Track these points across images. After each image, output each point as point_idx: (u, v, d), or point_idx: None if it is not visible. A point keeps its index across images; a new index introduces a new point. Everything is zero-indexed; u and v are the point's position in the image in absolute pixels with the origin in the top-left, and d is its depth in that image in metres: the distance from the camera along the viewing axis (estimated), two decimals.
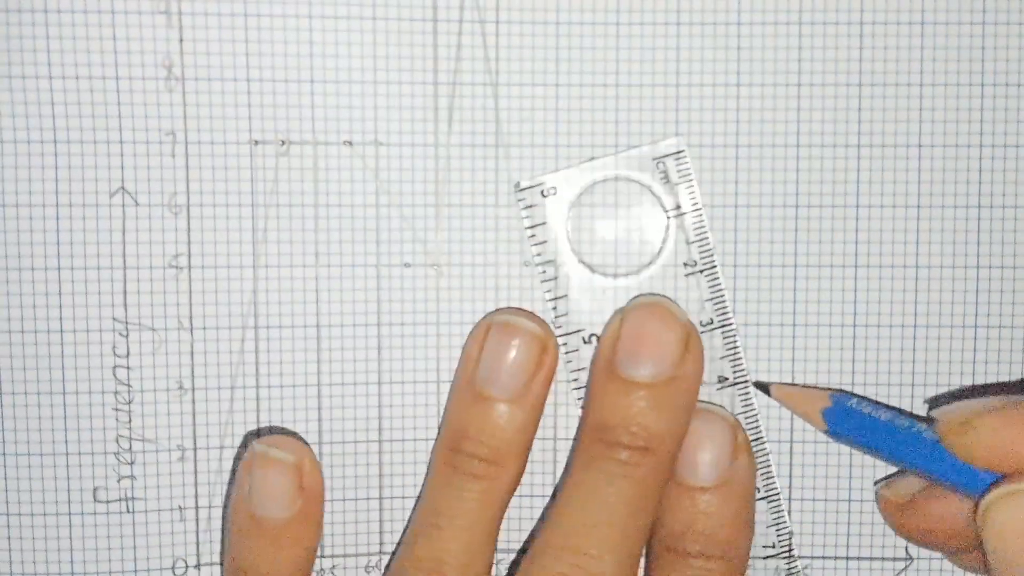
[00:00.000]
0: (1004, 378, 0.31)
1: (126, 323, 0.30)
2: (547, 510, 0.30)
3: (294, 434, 0.31)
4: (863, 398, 0.29)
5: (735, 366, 0.31)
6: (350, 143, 0.30)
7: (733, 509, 0.29)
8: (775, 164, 0.31)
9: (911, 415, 0.28)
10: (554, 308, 0.31)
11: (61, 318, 0.30)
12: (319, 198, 0.30)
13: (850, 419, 0.29)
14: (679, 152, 0.30)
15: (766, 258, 0.31)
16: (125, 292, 0.30)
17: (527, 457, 0.30)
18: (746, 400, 0.31)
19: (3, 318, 0.30)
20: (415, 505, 0.31)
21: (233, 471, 0.31)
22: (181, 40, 0.30)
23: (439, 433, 0.30)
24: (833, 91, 0.30)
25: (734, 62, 0.30)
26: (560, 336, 0.31)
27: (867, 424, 0.28)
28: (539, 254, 0.31)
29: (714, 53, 0.30)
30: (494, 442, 0.29)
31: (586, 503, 0.28)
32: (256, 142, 0.30)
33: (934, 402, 0.31)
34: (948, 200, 0.30)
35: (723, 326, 0.31)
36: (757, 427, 0.31)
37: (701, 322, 0.31)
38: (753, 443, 0.30)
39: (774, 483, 0.31)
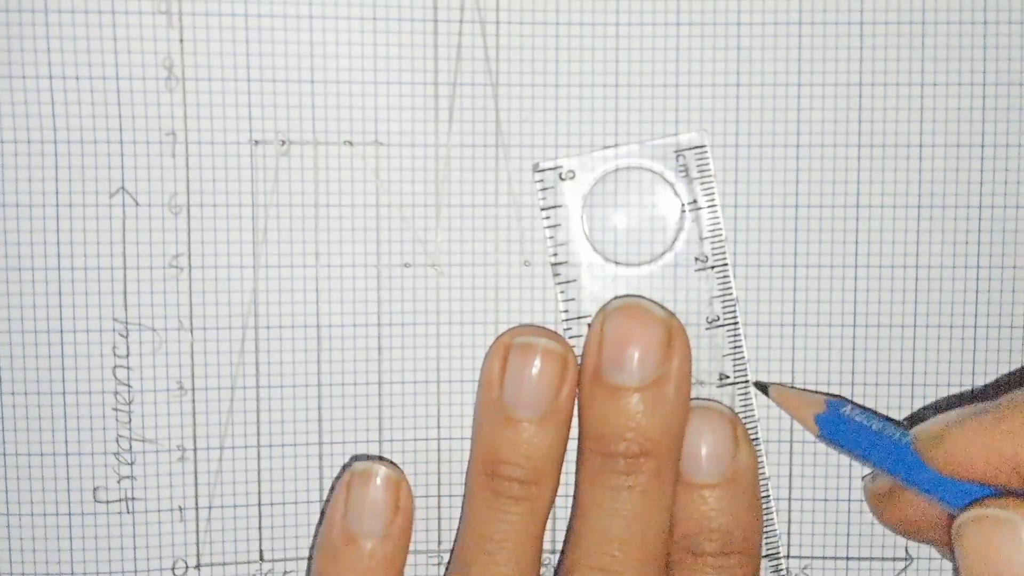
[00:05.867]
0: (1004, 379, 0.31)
1: (126, 323, 0.30)
2: (570, 524, 0.30)
3: (391, 462, 0.31)
4: (858, 406, 0.29)
5: (737, 365, 0.31)
6: (350, 143, 0.30)
7: (743, 502, 0.29)
8: (775, 164, 0.31)
9: (903, 426, 0.28)
10: (563, 292, 0.31)
11: (61, 318, 0.30)
12: (319, 198, 0.30)
13: (842, 426, 0.29)
14: (700, 147, 0.30)
15: (766, 258, 0.31)
16: (125, 292, 0.30)
17: (561, 470, 0.30)
18: (745, 399, 0.31)
19: (3, 318, 0.30)
20: (457, 532, 0.31)
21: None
22: (181, 40, 0.30)
23: (471, 459, 0.30)
24: (833, 91, 0.30)
25: (734, 62, 0.30)
26: (567, 321, 0.31)
27: (857, 432, 0.28)
28: (551, 236, 0.31)
29: (714, 53, 0.30)
30: (530, 463, 0.29)
31: (599, 520, 0.29)
32: (256, 142, 0.30)
33: (915, 418, 0.31)
34: (948, 200, 0.30)
35: (729, 324, 0.31)
36: (755, 427, 0.31)
37: (707, 319, 0.31)
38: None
39: (766, 485, 0.31)
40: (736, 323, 0.31)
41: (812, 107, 0.30)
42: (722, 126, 0.30)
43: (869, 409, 0.30)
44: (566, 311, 0.31)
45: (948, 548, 0.29)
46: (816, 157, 0.30)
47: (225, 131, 0.30)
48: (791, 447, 0.31)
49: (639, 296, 0.31)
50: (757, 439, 0.31)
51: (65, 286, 0.30)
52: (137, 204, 0.30)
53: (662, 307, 0.30)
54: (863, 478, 0.31)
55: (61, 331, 0.30)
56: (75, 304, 0.30)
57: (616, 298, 0.30)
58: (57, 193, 0.30)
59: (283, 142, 0.30)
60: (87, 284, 0.30)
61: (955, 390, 0.31)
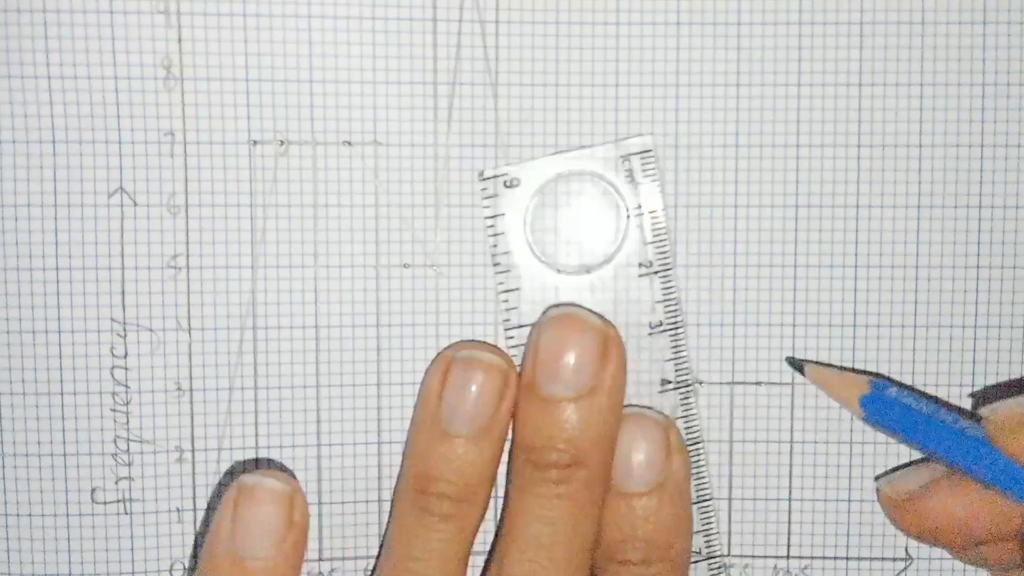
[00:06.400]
0: (1004, 379, 0.31)
1: (124, 324, 0.30)
2: (497, 532, 0.30)
3: (280, 465, 0.31)
4: (902, 386, 0.29)
5: (679, 369, 0.31)
6: (349, 143, 0.30)
7: (671, 511, 0.29)
8: (775, 164, 0.31)
9: (954, 408, 0.27)
10: (506, 301, 0.31)
11: (59, 318, 0.30)
12: (318, 198, 0.30)
13: (890, 408, 0.28)
14: (646, 151, 0.30)
15: (766, 258, 0.31)
16: (123, 293, 0.30)
17: (492, 488, 0.30)
18: (687, 403, 0.31)
19: (2, 318, 0.30)
20: (380, 547, 0.31)
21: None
22: (180, 40, 0.30)
23: (400, 474, 0.30)
24: (833, 91, 0.30)
25: (734, 62, 0.30)
26: (509, 330, 0.31)
27: (908, 415, 0.27)
28: (495, 245, 0.31)
29: (714, 53, 0.30)
30: (463, 480, 0.28)
31: (528, 528, 0.28)
32: (255, 142, 0.30)
33: (980, 398, 0.30)
34: (948, 200, 0.31)
35: (672, 328, 0.31)
36: (697, 430, 0.31)
37: (650, 324, 0.31)
38: (691, 447, 0.30)
39: (707, 486, 0.31)
40: (678, 327, 0.31)
41: (812, 107, 0.30)
42: (722, 126, 0.30)
43: (912, 388, 0.29)
44: (507, 320, 0.31)
45: (967, 552, 0.29)
46: (816, 157, 0.30)
47: (224, 131, 0.30)
48: (791, 447, 0.31)
49: (575, 305, 0.30)
50: (697, 441, 0.31)
51: (63, 286, 0.30)
52: (135, 204, 0.30)
53: (598, 316, 0.29)
54: (876, 479, 0.31)
55: (59, 331, 0.30)
56: (73, 304, 0.30)
57: (552, 307, 0.30)
58: (55, 193, 0.30)
59: (282, 142, 0.30)
60: (85, 284, 0.30)
61: (955, 390, 0.31)
